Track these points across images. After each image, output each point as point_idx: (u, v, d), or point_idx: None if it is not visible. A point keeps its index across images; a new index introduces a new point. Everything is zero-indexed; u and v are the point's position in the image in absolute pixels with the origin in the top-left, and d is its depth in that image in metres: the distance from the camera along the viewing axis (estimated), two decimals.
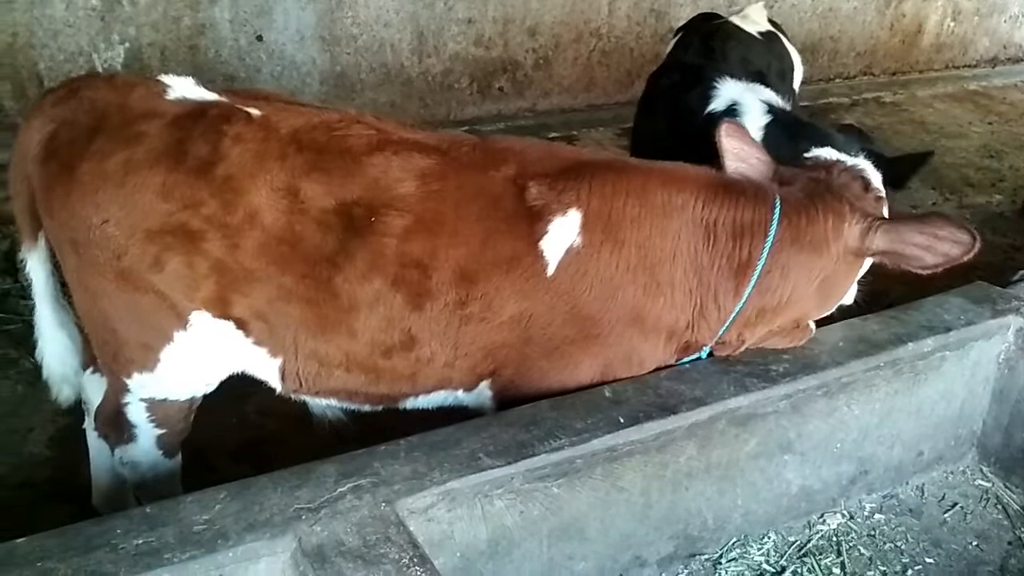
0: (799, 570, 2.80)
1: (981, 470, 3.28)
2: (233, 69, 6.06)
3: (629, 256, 2.47)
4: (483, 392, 2.62)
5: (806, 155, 2.70)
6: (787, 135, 3.19)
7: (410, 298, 2.38)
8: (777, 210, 2.52)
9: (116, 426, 2.67)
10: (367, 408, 2.70)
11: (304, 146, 2.35)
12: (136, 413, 2.60)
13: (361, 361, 2.47)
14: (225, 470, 3.55)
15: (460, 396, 2.64)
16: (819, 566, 2.83)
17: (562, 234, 2.44)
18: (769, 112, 3.29)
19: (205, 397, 2.74)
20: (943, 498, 3.16)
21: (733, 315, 2.57)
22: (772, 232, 2.50)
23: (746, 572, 2.77)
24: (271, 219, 2.29)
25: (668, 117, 3.68)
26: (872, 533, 2.99)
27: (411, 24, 6.55)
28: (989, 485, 3.21)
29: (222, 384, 2.68)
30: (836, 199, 2.54)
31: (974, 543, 2.99)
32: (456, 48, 6.79)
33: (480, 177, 2.46)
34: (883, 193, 2.65)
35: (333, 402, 2.67)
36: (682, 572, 2.76)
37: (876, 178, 2.64)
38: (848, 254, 2.55)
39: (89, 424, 2.99)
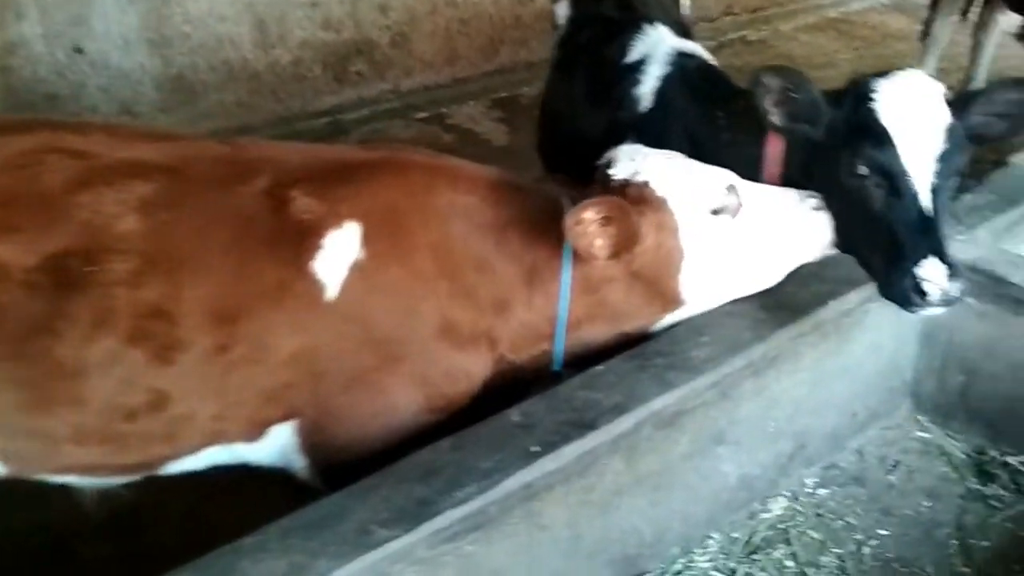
0: (751, 571, 2.54)
1: (917, 419, 3.06)
2: (54, 87, 5.34)
3: (424, 264, 2.17)
4: (284, 441, 2.22)
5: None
6: (685, 88, 2.92)
7: (156, 352, 2.04)
8: None
9: None
10: (121, 480, 2.28)
11: None
12: None
13: (97, 430, 2.08)
14: (91, 551, 3.12)
15: (241, 450, 2.24)
16: (771, 562, 2.57)
17: (341, 250, 2.11)
18: (671, 64, 2.99)
19: None
20: (884, 458, 2.94)
21: (561, 324, 2.29)
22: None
23: None
24: None
25: (587, 75, 3.27)
26: (819, 512, 2.75)
27: (249, 14, 5.94)
28: (929, 436, 3.01)
29: None
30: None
31: (926, 504, 2.78)
32: (303, 35, 6.21)
33: (225, 196, 2.14)
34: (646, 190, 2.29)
35: (73, 479, 2.25)
36: None
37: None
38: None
39: None
